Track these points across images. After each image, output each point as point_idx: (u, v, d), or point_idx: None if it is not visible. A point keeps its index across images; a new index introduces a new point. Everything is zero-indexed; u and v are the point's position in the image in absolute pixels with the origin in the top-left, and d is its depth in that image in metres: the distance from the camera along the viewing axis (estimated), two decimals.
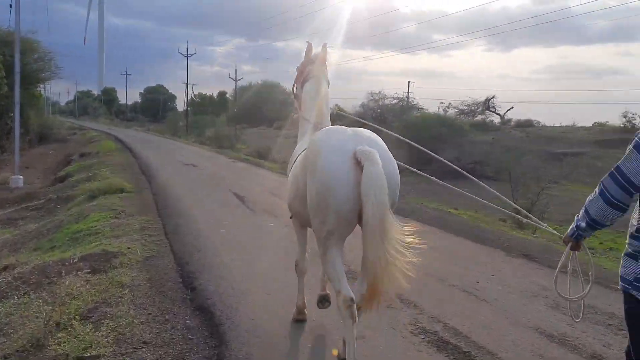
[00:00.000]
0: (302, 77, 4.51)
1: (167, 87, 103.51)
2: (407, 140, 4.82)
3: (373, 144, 3.28)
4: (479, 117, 49.09)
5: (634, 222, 2.34)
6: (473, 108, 51.22)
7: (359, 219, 3.15)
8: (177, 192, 11.77)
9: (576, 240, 2.64)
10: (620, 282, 2.40)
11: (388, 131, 4.82)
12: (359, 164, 3.08)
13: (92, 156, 24.29)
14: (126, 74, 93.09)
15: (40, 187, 19.05)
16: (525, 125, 43.08)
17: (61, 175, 19.89)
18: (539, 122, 43.79)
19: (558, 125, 43.93)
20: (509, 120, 47.29)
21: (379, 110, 54.48)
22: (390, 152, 3.45)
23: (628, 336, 2.42)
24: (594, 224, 2.44)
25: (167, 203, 10.30)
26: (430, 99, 64.00)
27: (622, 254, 2.41)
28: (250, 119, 59.28)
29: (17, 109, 20.19)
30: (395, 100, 55.05)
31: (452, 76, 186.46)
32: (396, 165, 3.48)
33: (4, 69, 25.72)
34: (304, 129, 4.41)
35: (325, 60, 4.47)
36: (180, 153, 24.02)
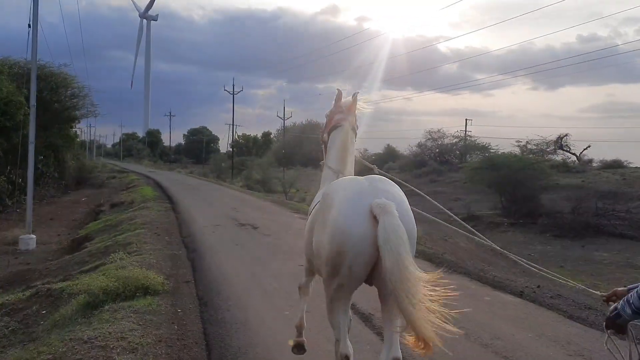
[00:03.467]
0: (330, 125, 4.28)
1: (210, 129, 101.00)
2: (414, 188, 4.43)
3: (390, 197, 3.04)
4: (549, 157, 43.04)
5: None
6: (543, 147, 45.15)
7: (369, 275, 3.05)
8: (245, 299, 6.45)
9: (619, 324, 2.33)
10: None
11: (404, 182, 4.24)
12: (375, 218, 2.89)
13: (125, 207, 19.55)
14: (170, 115, 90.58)
15: (55, 249, 14.33)
16: (615, 166, 36.64)
17: (81, 236, 15.07)
18: (629, 162, 37.31)
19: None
20: (590, 160, 40.94)
21: (437, 150, 49.14)
22: (406, 201, 3.18)
23: None
24: None
25: (232, 338, 5.01)
26: (485, 137, 57.39)
27: None
28: (295, 160, 54.69)
29: (32, 149, 15.48)
30: (456, 139, 49.67)
31: (493, 115, 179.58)
32: (413, 219, 3.16)
33: (27, 105, 21.53)
34: (326, 176, 4.13)
35: (355, 110, 4.25)
36: (229, 204, 18.93)
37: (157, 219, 13.75)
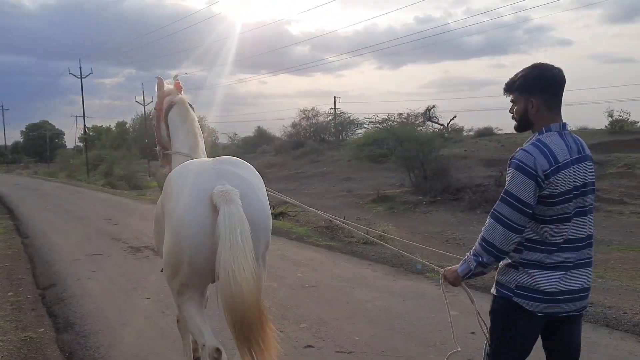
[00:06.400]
0: (162, 112, 3.62)
1: (52, 123, 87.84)
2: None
3: (237, 180, 2.60)
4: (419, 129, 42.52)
5: None
6: (412, 120, 44.55)
7: None
8: None
9: (467, 278, 2.38)
10: (498, 289, 2.31)
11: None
12: (216, 208, 2.44)
13: None
14: (2, 109, 76.39)
15: None
16: (487, 133, 36.69)
17: None
18: (499, 129, 37.65)
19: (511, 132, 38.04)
20: (460, 129, 41.02)
21: (312, 129, 46.25)
22: (260, 186, 2.78)
23: (488, 335, 2.38)
24: (500, 254, 2.23)
25: None
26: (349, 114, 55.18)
27: (500, 264, 2.31)
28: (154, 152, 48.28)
29: None
30: (330, 117, 47.23)
31: (345, 95, 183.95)
32: (266, 204, 2.77)
33: None
34: (177, 163, 3.27)
35: (182, 89, 3.70)
36: (100, 212, 13.74)
37: None
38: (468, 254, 2.33)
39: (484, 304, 2.46)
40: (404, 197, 20.25)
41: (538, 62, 2.28)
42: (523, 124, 2.30)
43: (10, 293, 6.19)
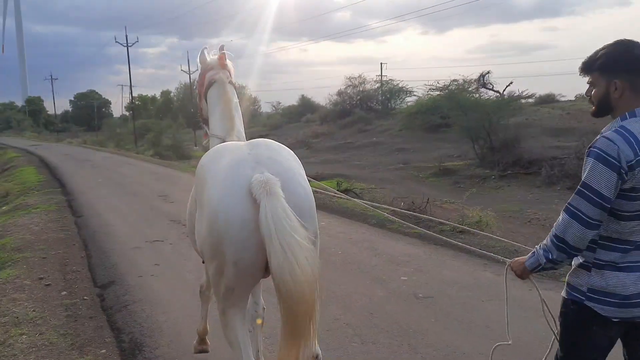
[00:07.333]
0: (204, 87, 3.39)
1: (99, 93, 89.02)
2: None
3: (276, 167, 2.30)
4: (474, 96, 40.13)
5: None
6: (465, 87, 42.13)
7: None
8: None
9: (535, 272, 2.22)
10: (569, 291, 2.13)
11: None
12: (256, 200, 2.17)
13: None
14: (51, 78, 77.39)
15: None
16: (549, 100, 34.12)
17: None
18: (562, 96, 34.96)
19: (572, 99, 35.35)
20: (518, 96, 38.53)
21: (359, 97, 44.51)
22: (300, 171, 2.45)
23: (559, 339, 2.20)
24: (573, 252, 2.01)
25: None
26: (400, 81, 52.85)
27: (572, 264, 2.14)
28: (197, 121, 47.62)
29: None
30: (377, 85, 45.27)
31: (388, 61, 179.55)
32: (309, 189, 2.41)
33: None
34: (214, 145, 3.07)
35: (225, 64, 3.39)
36: (153, 187, 12.91)
37: (44, 235, 7.72)
38: (537, 247, 2.16)
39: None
40: (469, 171, 18.68)
41: (622, 38, 2.02)
42: (603, 108, 2.06)
43: (64, 292, 5.26)
